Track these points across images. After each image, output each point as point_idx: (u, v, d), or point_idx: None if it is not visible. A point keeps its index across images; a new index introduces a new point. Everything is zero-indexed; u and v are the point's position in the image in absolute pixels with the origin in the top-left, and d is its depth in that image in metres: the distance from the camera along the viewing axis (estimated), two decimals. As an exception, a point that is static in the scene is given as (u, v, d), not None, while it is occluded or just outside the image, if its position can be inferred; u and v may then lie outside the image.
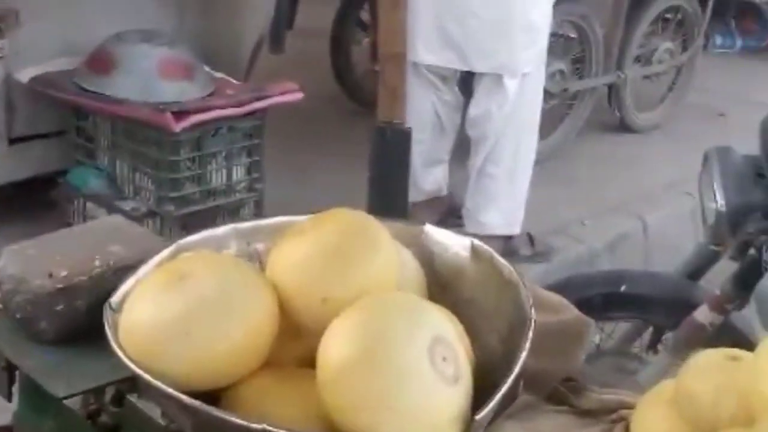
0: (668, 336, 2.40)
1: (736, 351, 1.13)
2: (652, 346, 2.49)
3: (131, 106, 2.92)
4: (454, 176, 3.65)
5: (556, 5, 3.55)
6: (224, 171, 3.07)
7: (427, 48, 3.36)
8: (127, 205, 3.01)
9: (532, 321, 0.91)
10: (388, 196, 2.34)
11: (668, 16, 4.82)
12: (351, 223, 0.93)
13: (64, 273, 1.14)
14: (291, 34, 4.22)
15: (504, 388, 0.83)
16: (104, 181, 3.12)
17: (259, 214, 3.13)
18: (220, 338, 0.87)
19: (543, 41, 3.44)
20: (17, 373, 1.14)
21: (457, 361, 0.85)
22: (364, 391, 0.82)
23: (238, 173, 3.11)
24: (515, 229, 3.48)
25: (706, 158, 2.20)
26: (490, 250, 1.04)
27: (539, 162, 3.86)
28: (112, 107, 2.97)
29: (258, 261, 1.12)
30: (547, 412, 1.41)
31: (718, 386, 1.08)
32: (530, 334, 0.89)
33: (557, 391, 1.43)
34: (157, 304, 0.89)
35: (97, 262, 1.17)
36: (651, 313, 2.41)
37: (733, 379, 1.07)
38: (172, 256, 1.03)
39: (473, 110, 3.44)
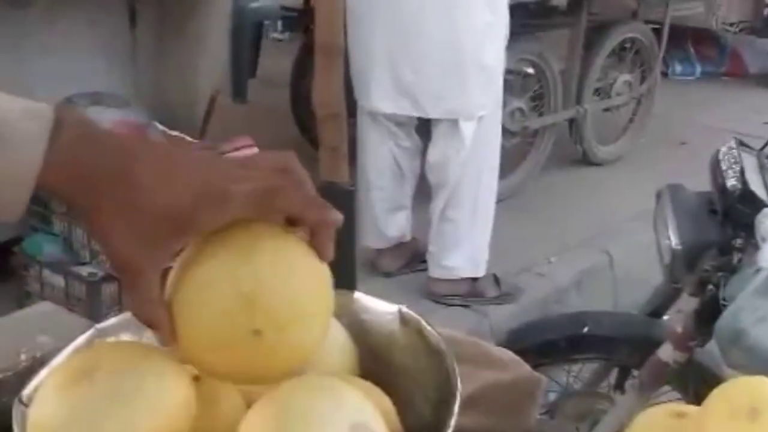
0: (634, 375, 2.38)
1: (681, 407, 1.10)
2: (619, 385, 2.46)
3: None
4: (417, 220, 3.63)
5: (510, 44, 3.55)
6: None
7: (381, 96, 3.36)
8: (85, 271, 2.97)
9: (457, 395, 0.87)
10: (335, 261, 2.26)
11: (625, 46, 4.85)
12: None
13: (-12, 369, 1.11)
14: (253, 83, 4.21)
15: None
16: (60, 246, 3.08)
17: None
18: (128, 432, 0.83)
19: (498, 82, 3.43)
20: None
21: (380, 446, 0.81)
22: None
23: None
24: (480, 271, 3.46)
25: (658, 197, 2.19)
26: (417, 317, 1.01)
27: (503, 200, 3.85)
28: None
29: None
30: (501, 471, 1.38)
31: (664, 446, 1.05)
32: (455, 408, 0.86)
33: (510, 449, 1.40)
34: (63, 399, 0.84)
35: (23, 356, 1.14)
36: (615, 353, 2.39)
37: (679, 438, 1.04)
38: (90, 342, 1.00)
39: (431, 156, 3.43)
